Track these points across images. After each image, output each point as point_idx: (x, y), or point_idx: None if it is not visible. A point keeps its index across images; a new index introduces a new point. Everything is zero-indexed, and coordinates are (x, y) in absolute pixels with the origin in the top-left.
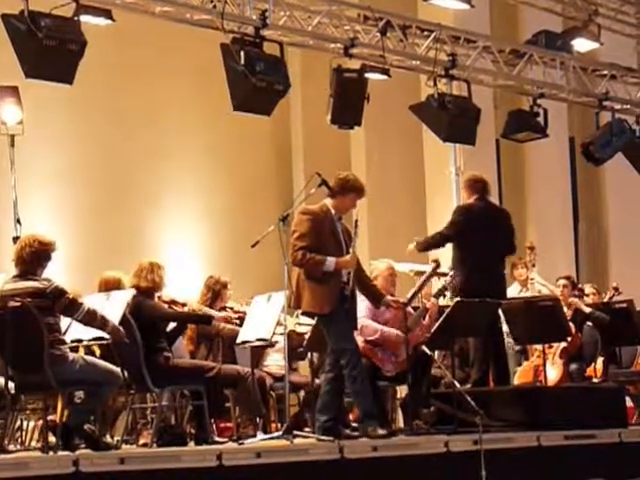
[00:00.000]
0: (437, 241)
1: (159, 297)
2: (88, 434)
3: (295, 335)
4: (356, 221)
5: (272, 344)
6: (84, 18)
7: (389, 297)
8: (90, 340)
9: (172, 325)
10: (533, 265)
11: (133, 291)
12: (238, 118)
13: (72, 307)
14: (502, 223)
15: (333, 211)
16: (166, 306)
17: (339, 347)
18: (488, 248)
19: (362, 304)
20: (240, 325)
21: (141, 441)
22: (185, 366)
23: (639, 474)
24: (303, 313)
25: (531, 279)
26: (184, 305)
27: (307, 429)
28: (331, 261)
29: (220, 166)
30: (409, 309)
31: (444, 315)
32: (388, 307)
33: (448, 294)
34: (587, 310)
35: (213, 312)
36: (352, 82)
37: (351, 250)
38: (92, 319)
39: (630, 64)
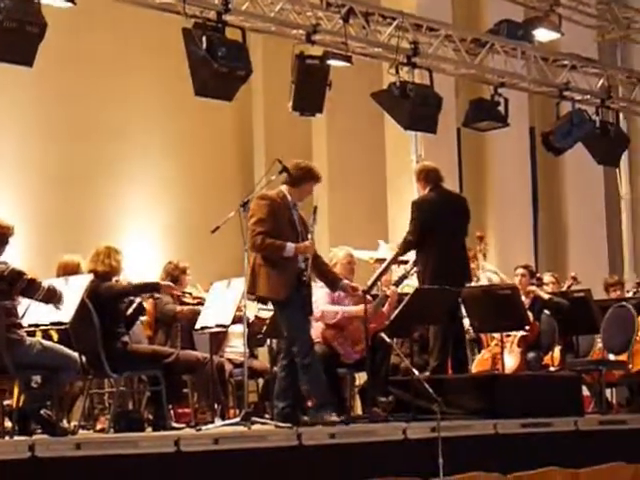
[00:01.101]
0: (407, 248)
1: (116, 282)
2: (45, 419)
3: (257, 321)
4: (315, 207)
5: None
6: (45, 0)
7: (345, 282)
8: (48, 325)
9: (130, 310)
10: (484, 255)
11: (91, 276)
12: (199, 103)
13: (32, 287)
14: (459, 209)
15: (289, 198)
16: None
17: (291, 335)
18: (448, 236)
19: (321, 290)
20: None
21: (98, 426)
22: (143, 351)
23: (595, 462)
24: (258, 298)
25: (482, 267)
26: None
27: (267, 416)
28: (290, 247)
29: (181, 151)
30: (369, 296)
31: (403, 302)
32: (345, 292)
33: (408, 281)
34: (546, 296)
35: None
36: (314, 69)
37: (310, 236)
38: (52, 296)
39: (590, 55)
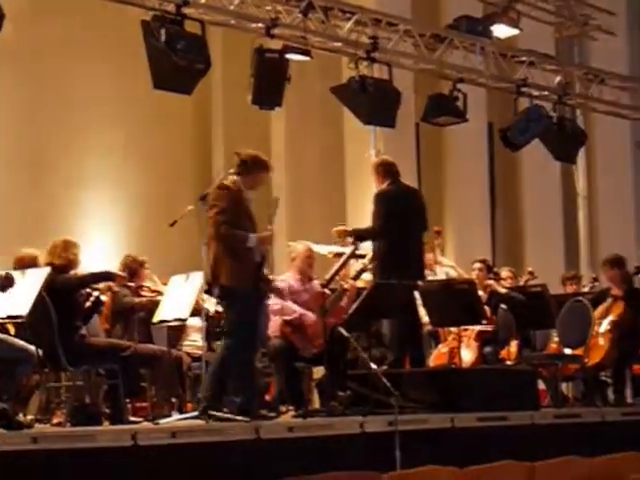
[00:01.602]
0: (369, 236)
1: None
2: (1, 413)
3: (216, 315)
4: (276, 199)
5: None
6: None
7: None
8: (5, 318)
9: (88, 303)
10: (441, 249)
11: (48, 269)
12: (158, 97)
13: None
14: (417, 203)
15: (243, 188)
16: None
17: (233, 329)
18: (407, 230)
19: (282, 284)
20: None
21: (55, 420)
22: (100, 345)
23: (550, 455)
24: (218, 292)
25: (438, 262)
26: None
27: (225, 409)
28: (253, 237)
29: (140, 145)
30: (327, 290)
31: (362, 296)
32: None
33: (366, 275)
34: (503, 291)
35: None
36: (273, 63)
37: (270, 227)
38: (9, 284)
39: (548, 51)
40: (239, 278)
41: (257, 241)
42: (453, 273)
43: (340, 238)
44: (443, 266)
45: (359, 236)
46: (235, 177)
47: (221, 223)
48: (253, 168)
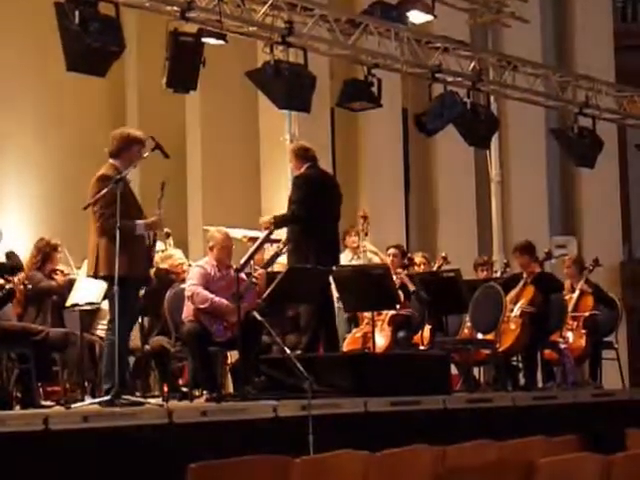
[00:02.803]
0: (291, 221)
1: None
2: None
3: None
4: (163, 183)
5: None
6: None
7: None
8: None
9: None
10: (365, 234)
11: None
12: (71, 78)
13: None
14: (334, 189)
15: (124, 170)
16: None
17: (116, 313)
18: (324, 215)
19: (196, 269)
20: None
21: None
22: (12, 329)
23: (462, 439)
24: (111, 278)
25: (363, 247)
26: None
27: (137, 393)
28: (140, 224)
29: (53, 126)
30: (242, 275)
31: (276, 281)
32: None
33: (280, 260)
34: (412, 288)
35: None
36: (188, 46)
37: (158, 211)
38: None
39: (462, 37)
40: (130, 267)
41: (145, 227)
42: (376, 259)
43: (267, 229)
44: (366, 251)
45: (281, 223)
46: (111, 161)
47: (108, 217)
48: (124, 146)
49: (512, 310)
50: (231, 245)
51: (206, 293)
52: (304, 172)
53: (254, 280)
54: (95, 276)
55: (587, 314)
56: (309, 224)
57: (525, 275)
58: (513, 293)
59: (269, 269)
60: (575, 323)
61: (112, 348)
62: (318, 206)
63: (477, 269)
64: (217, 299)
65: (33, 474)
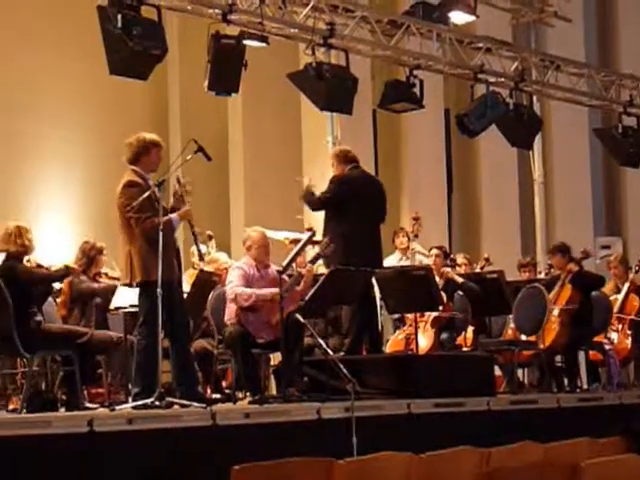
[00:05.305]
0: (315, 204)
1: (27, 261)
2: None
3: None
4: (177, 177)
5: None
6: None
7: None
8: None
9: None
10: (416, 235)
11: (2, 255)
12: (114, 82)
13: None
14: (377, 191)
15: (146, 175)
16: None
17: (143, 316)
18: (365, 216)
19: (236, 271)
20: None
21: (10, 407)
22: (57, 331)
23: (506, 441)
24: (138, 285)
25: (412, 249)
26: (48, 270)
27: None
28: (174, 217)
29: (95, 131)
30: (284, 276)
31: (319, 283)
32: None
33: (322, 261)
34: (459, 280)
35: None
36: (230, 49)
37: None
38: None
39: (505, 38)
40: (169, 269)
41: (179, 219)
42: (426, 261)
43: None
44: (415, 252)
45: (305, 197)
46: (131, 167)
47: (145, 218)
48: (142, 150)
49: (552, 311)
50: (268, 244)
51: (248, 290)
52: (345, 172)
53: (302, 273)
54: (130, 284)
55: (633, 316)
56: (350, 226)
57: (563, 275)
58: (553, 293)
59: None
60: (620, 324)
61: (146, 352)
62: (359, 208)
63: (520, 270)
64: (259, 291)
65: (78, 476)
